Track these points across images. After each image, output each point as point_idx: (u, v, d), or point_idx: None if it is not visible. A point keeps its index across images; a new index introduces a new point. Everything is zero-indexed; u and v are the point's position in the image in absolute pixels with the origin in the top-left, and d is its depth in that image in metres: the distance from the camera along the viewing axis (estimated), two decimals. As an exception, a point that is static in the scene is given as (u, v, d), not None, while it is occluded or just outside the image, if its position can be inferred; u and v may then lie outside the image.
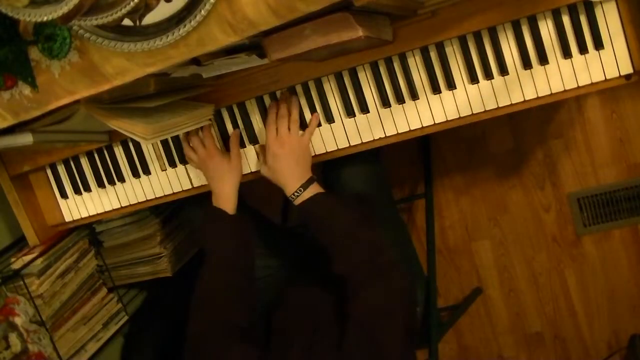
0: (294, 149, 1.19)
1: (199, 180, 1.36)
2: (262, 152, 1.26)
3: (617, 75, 1.09)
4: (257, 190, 1.28)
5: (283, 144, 1.19)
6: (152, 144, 1.37)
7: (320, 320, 1.14)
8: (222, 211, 1.24)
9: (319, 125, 1.25)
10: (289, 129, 1.20)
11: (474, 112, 1.17)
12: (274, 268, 1.47)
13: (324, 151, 1.27)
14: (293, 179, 1.18)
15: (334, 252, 1.14)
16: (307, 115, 1.26)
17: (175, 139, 1.35)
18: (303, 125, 1.26)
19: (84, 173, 1.44)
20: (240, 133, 1.30)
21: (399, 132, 1.22)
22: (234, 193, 1.25)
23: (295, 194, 1.17)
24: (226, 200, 1.24)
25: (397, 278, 1.09)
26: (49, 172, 1.46)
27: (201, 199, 1.40)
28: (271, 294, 1.39)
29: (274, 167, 1.19)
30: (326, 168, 1.39)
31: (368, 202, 1.35)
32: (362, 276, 1.07)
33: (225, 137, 1.31)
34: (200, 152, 1.26)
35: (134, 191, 1.41)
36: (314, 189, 1.18)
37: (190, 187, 1.37)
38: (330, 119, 1.25)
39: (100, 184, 1.43)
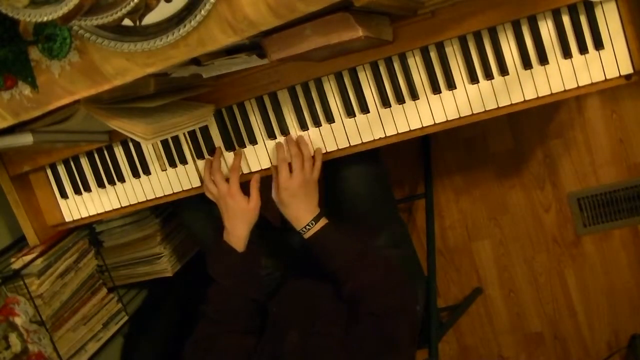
0: (308, 187, 1.23)
1: (198, 180, 1.36)
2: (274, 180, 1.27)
3: (617, 75, 1.09)
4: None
5: (299, 183, 1.22)
6: (152, 144, 1.37)
7: (319, 311, 1.18)
8: (232, 249, 1.27)
9: (320, 125, 1.25)
10: (303, 168, 1.23)
11: (474, 112, 1.17)
12: (273, 269, 1.47)
13: (324, 151, 1.27)
14: (305, 213, 1.23)
15: (343, 276, 1.19)
16: (307, 116, 1.26)
17: (175, 139, 1.35)
18: (302, 124, 1.26)
19: (84, 173, 1.44)
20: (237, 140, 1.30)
21: (399, 132, 1.22)
22: (247, 234, 1.27)
23: (307, 227, 1.23)
24: (238, 240, 1.27)
25: (407, 291, 1.22)
26: (49, 172, 1.46)
27: (193, 201, 1.40)
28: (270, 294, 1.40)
29: (288, 202, 1.23)
30: (327, 168, 1.39)
31: (372, 221, 1.41)
32: (374, 293, 1.15)
33: (225, 137, 1.31)
34: (222, 188, 1.26)
35: (134, 191, 1.41)
36: (323, 222, 1.24)
37: (190, 187, 1.37)
38: (330, 119, 1.25)
39: (100, 184, 1.43)
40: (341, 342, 1.08)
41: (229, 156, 1.32)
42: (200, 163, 1.34)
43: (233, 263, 1.27)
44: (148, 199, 1.40)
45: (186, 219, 1.51)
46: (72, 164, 1.44)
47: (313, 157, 1.25)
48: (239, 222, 1.26)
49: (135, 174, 1.39)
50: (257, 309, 1.29)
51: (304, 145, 1.25)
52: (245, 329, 1.25)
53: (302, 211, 1.23)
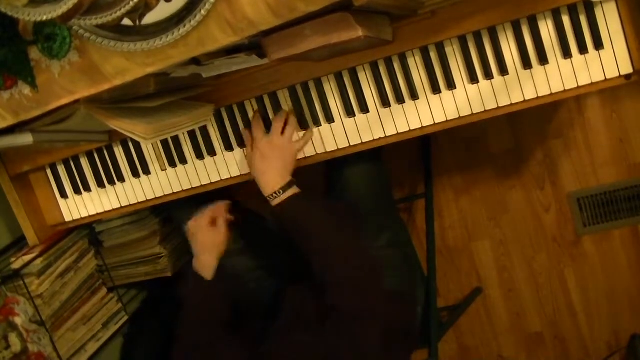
0: (284, 153, 1.21)
1: (198, 180, 1.36)
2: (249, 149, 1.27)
3: (617, 75, 1.09)
4: (253, 190, 1.28)
5: (274, 146, 1.21)
6: (152, 144, 1.37)
7: (304, 313, 1.17)
8: (201, 277, 1.31)
9: (319, 125, 1.25)
10: (283, 132, 1.22)
11: (474, 112, 1.17)
12: (269, 268, 1.47)
13: (324, 151, 1.27)
14: (275, 180, 1.20)
15: (310, 254, 1.16)
16: (307, 116, 1.26)
17: (175, 139, 1.35)
18: (302, 124, 1.26)
19: (84, 173, 1.44)
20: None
21: (399, 132, 1.22)
22: (215, 264, 1.31)
23: (274, 195, 1.19)
24: (207, 269, 1.31)
25: (375, 277, 1.14)
26: (49, 172, 1.46)
27: (185, 201, 1.41)
28: (266, 294, 1.40)
29: (259, 166, 1.21)
30: (328, 168, 1.39)
31: (350, 206, 1.37)
32: (339, 276, 1.11)
33: (225, 137, 1.31)
34: (191, 226, 1.32)
35: (134, 191, 1.41)
36: (292, 191, 1.20)
37: (190, 187, 1.37)
38: (330, 119, 1.25)
39: (100, 184, 1.43)
40: (309, 346, 1.08)
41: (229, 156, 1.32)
42: (200, 163, 1.34)
43: (202, 291, 1.31)
44: (148, 199, 1.40)
45: (178, 218, 1.51)
46: (72, 163, 1.44)
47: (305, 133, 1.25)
48: (208, 254, 1.31)
49: (135, 174, 1.39)
50: (231, 328, 1.31)
51: (292, 115, 1.24)
52: (227, 334, 1.27)
53: (273, 176, 1.19)
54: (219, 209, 1.33)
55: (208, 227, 1.31)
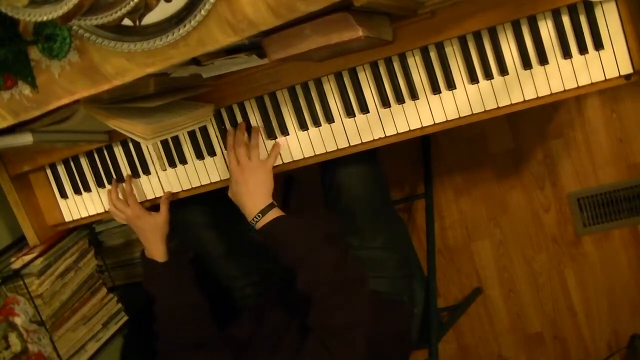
0: (255, 176, 1.22)
1: (198, 180, 1.36)
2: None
3: (617, 75, 1.09)
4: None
5: (244, 171, 1.22)
6: (152, 144, 1.37)
7: (287, 332, 1.18)
8: (154, 261, 1.35)
9: (319, 125, 1.25)
10: (249, 155, 1.24)
11: (474, 112, 1.17)
12: (266, 272, 1.47)
13: (324, 151, 1.27)
14: (253, 204, 1.21)
15: (295, 272, 1.16)
16: (307, 116, 1.26)
17: (175, 139, 1.35)
18: (302, 124, 1.26)
19: (84, 173, 1.44)
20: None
21: (399, 132, 1.22)
22: (162, 244, 1.36)
23: (255, 219, 1.20)
24: (155, 251, 1.35)
25: (358, 294, 1.13)
26: (49, 172, 1.46)
27: (191, 201, 1.42)
28: (261, 298, 1.41)
29: (236, 192, 1.24)
30: (323, 169, 1.39)
31: (331, 220, 1.38)
32: (321, 293, 1.11)
33: (225, 137, 1.31)
34: (128, 213, 1.36)
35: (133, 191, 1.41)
36: (273, 214, 1.20)
37: (189, 187, 1.37)
38: (330, 119, 1.24)
39: (100, 184, 1.43)
40: None
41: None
42: (200, 163, 1.35)
43: (159, 273, 1.34)
44: (148, 199, 1.40)
45: (177, 219, 1.50)
46: (72, 163, 1.44)
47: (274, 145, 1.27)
48: (151, 237, 1.34)
49: (135, 174, 1.39)
50: (209, 317, 1.32)
51: (254, 133, 1.26)
52: (205, 335, 1.28)
53: (250, 202, 1.21)
54: (165, 194, 1.37)
55: (144, 212, 1.35)
